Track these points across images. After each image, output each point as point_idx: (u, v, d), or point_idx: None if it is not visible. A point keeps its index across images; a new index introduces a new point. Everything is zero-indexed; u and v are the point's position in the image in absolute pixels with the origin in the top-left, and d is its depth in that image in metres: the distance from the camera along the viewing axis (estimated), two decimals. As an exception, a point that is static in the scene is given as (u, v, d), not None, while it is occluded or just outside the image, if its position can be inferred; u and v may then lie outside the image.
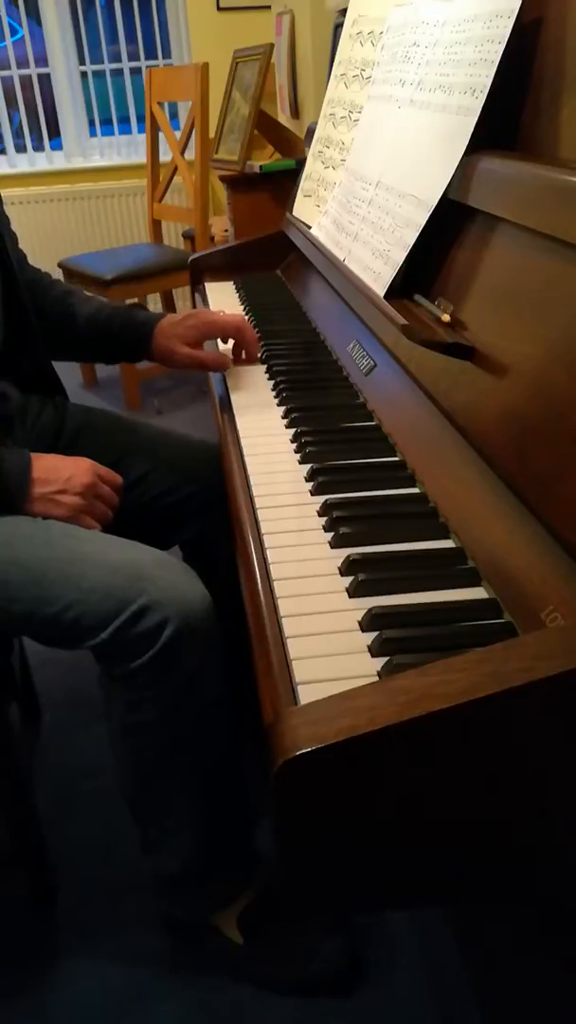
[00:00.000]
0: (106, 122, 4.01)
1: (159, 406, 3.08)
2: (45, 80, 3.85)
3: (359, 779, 0.49)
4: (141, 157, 3.58)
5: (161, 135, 3.26)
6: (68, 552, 0.91)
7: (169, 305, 3.53)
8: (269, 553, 0.74)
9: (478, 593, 0.65)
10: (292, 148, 2.40)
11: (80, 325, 1.23)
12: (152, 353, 1.22)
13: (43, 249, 3.78)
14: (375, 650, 0.60)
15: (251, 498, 0.84)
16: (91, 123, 3.98)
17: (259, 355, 1.22)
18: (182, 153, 3.10)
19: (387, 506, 0.78)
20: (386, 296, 0.93)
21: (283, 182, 2.13)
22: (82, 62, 3.86)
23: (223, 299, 1.54)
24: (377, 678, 0.57)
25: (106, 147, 4.01)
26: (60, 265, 3.21)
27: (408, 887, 0.56)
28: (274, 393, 1.08)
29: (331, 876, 0.54)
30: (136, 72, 3.90)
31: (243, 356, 1.22)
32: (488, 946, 1.02)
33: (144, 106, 3.28)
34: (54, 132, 3.94)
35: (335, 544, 0.74)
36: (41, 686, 1.58)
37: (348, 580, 0.68)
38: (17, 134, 3.92)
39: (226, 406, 1.08)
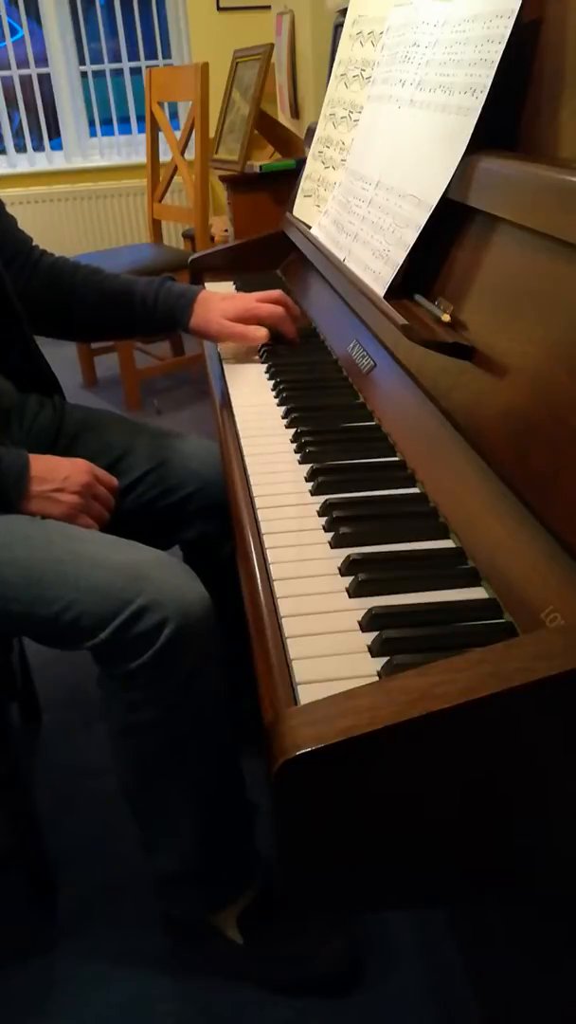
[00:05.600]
0: (106, 122, 4.01)
1: (159, 406, 3.08)
2: (45, 80, 3.85)
3: (359, 779, 0.49)
4: (141, 157, 3.59)
5: (161, 135, 3.26)
6: (67, 552, 0.91)
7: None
8: (269, 553, 0.74)
9: (478, 593, 0.65)
10: (292, 148, 2.40)
11: (114, 300, 1.23)
12: (190, 323, 1.22)
13: (43, 249, 3.78)
14: (375, 650, 0.60)
15: (251, 498, 0.84)
16: (91, 123, 3.98)
17: (295, 334, 1.22)
18: (182, 153, 3.10)
19: (387, 506, 0.78)
20: (386, 296, 0.93)
21: (283, 182, 2.13)
22: (82, 62, 3.87)
23: (223, 299, 1.53)
24: (377, 678, 0.57)
25: (106, 147, 4.01)
26: (60, 265, 3.21)
27: (408, 887, 0.56)
28: (274, 393, 1.08)
29: (331, 876, 0.54)
30: (136, 72, 3.91)
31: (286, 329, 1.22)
32: (488, 945, 1.02)
33: (144, 106, 3.28)
34: (54, 132, 3.94)
35: (335, 544, 0.74)
36: (41, 686, 1.58)
37: (348, 580, 0.68)
38: (17, 134, 3.92)
39: (226, 406, 1.08)
